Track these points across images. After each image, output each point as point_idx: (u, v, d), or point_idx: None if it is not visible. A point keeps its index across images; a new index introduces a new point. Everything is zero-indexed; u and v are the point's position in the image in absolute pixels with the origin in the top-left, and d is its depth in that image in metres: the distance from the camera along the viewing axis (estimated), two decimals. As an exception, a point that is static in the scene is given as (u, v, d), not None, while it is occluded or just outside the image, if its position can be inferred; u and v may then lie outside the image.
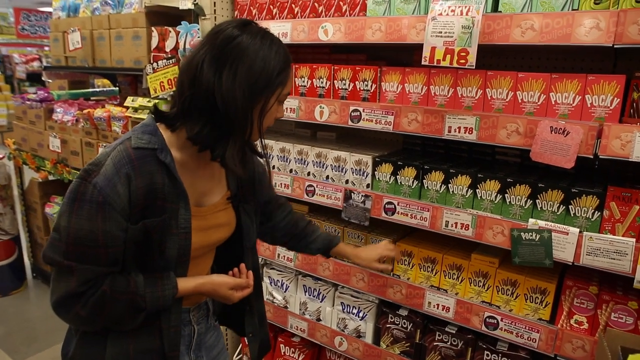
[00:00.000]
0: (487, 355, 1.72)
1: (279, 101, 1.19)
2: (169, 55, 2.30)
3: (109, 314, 1.11)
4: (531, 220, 1.53)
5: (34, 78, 10.12)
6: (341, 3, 1.81)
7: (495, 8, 1.52)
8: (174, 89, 2.35)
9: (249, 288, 1.33)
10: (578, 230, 1.45)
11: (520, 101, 1.52)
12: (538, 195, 1.53)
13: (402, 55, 2.16)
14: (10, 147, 3.82)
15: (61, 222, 1.08)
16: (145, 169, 1.10)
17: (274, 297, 2.31)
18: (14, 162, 3.82)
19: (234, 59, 1.08)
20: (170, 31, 2.30)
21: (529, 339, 1.59)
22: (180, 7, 2.21)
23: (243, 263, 1.34)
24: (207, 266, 1.37)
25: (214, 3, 2.11)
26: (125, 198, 1.07)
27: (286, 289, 2.27)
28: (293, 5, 1.95)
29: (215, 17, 2.11)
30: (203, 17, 2.12)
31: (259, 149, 1.30)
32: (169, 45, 2.28)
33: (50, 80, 3.77)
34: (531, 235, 1.51)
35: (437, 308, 1.77)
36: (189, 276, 1.24)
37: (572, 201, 1.47)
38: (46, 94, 3.55)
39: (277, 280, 2.29)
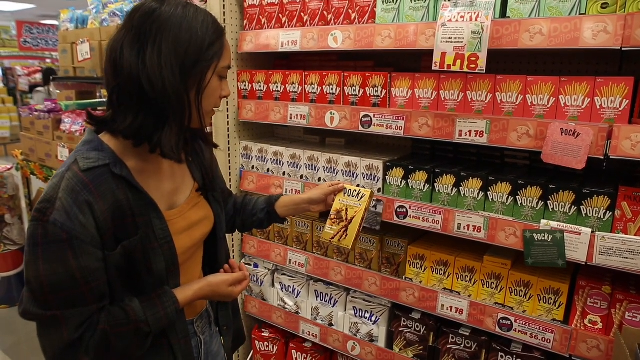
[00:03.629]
0: (502, 356, 1.73)
1: (219, 76, 1.09)
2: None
3: (116, 350, 1.04)
4: (543, 221, 1.54)
5: (37, 90, 10.16)
6: (350, 11, 1.84)
7: (503, 14, 1.55)
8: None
9: (247, 280, 1.32)
10: (590, 230, 1.47)
11: (530, 104, 1.54)
12: (549, 197, 1.55)
13: (410, 62, 2.19)
14: (17, 157, 3.85)
15: (30, 272, 0.97)
16: (104, 189, 1.01)
17: (286, 303, 2.32)
18: (21, 173, 3.84)
19: (155, 35, 0.98)
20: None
21: (544, 339, 1.60)
22: (190, 17, 2.24)
23: (232, 259, 1.35)
24: (198, 266, 1.32)
25: (224, 13, 2.14)
26: (91, 227, 0.98)
27: (298, 295, 2.28)
28: (302, 14, 1.98)
29: (225, 27, 2.14)
30: (213, 27, 2.14)
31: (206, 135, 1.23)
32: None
33: (58, 91, 3.81)
34: (544, 236, 1.53)
35: (451, 310, 1.79)
36: (183, 283, 1.19)
37: (583, 202, 1.49)
38: (54, 105, 3.58)
39: (289, 286, 2.30)
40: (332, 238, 1.54)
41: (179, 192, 1.21)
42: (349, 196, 1.55)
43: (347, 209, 1.54)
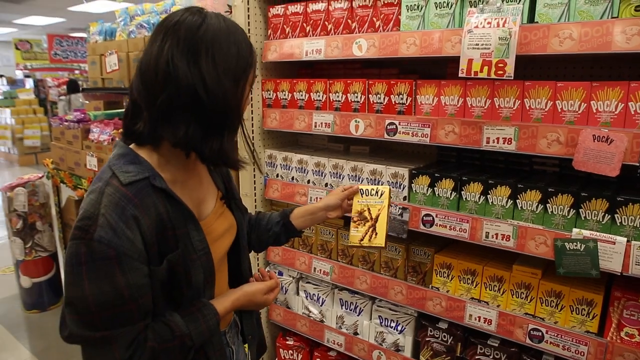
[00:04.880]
0: (532, 369, 1.69)
1: (249, 84, 1.11)
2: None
3: None
4: (575, 230, 1.50)
5: (66, 100, 10.46)
6: (374, 19, 1.84)
7: (531, 19, 1.53)
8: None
9: (278, 287, 1.32)
10: (625, 239, 1.42)
11: (560, 110, 1.51)
12: (581, 205, 1.51)
13: (435, 69, 2.17)
14: (48, 166, 3.95)
15: (73, 293, 0.94)
16: (147, 202, 1.00)
17: (310, 311, 2.31)
18: (52, 181, 3.95)
19: (207, 47, 0.99)
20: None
21: (577, 352, 1.56)
22: (215, 28, 2.27)
23: (261, 267, 1.35)
24: (225, 278, 1.31)
25: (248, 22, 2.17)
26: (139, 242, 0.96)
27: (322, 303, 2.27)
28: (326, 23, 1.99)
29: (249, 36, 2.17)
30: (238, 37, 2.17)
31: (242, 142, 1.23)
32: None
33: (87, 102, 3.91)
34: (576, 245, 1.49)
35: (479, 320, 1.75)
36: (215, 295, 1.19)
37: (617, 210, 1.45)
38: (83, 115, 3.68)
39: (313, 294, 2.30)
40: (362, 240, 1.50)
41: (206, 202, 1.21)
42: (367, 196, 1.53)
43: (369, 209, 1.51)
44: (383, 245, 1.47)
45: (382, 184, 1.91)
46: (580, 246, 1.48)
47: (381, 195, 1.52)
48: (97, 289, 0.93)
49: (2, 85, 12.96)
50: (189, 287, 1.08)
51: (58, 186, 3.97)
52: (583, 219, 1.51)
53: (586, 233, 1.48)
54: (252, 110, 2.24)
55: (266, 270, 1.37)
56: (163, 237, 1.02)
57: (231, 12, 2.19)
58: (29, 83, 12.16)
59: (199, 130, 1.01)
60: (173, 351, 1.04)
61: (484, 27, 1.50)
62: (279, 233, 1.49)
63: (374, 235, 1.49)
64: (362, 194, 1.54)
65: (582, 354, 1.55)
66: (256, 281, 1.32)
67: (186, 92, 0.98)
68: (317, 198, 2.10)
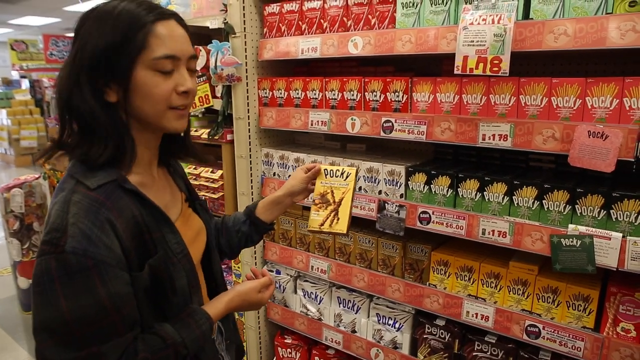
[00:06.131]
0: (530, 364, 1.69)
1: (155, 70, 0.95)
2: (200, 74, 2.36)
3: None
4: (571, 226, 1.51)
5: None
6: (370, 16, 1.84)
7: (526, 15, 1.53)
8: (205, 105, 2.41)
9: (273, 285, 1.28)
10: (621, 235, 1.42)
11: (555, 106, 1.51)
12: (577, 201, 1.51)
13: (431, 66, 2.17)
14: (45, 167, 3.94)
15: (47, 315, 0.85)
16: (121, 205, 0.94)
17: (308, 310, 2.31)
18: (48, 182, 3.94)
19: (74, 42, 0.95)
20: (200, 50, 2.36)
21: (574, 347, 1.56)
22: (210, 27, 2.27)
23: (253, 267, 1.28)
24: (204, 284, 1.23)
25: (244, 21, 2.17)
26: (117, 247, 0.90)
27: (320, 301, 2.27)
28: (322, 21, 1.98)
29: (245, 35, 2.17)
30: (233, 35, 2.17)
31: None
32: (200, 63, 2.34)
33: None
34: (572, 241, 1.49)
35: (476, 317, 1.75)
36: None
37: (613, 206, 1.45)
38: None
39: (311, 292, 2.30)
40: (322, 225, 1.40)
41: (174, 205, 1.14)
42: (331, 177, 1.44)
43: (332, 191, 1.42)
44: (345, 232, 1.38)
45: (379, 183, 1.91)
46: (576, 242, 1.48)
47: (347, 177, 1.42)
48: (76, 304, 0.85)
49: (-2, 86, 12.91)
50: (174, 293, 1.03)
51: (54, 186, 3.95)
52: (579, 215, 1.51)
53: (582, 229, 1.48)
54: (248, 109, 2.24)
55: (263, 268, 1.35)
56: (141, 240, 0.96)
57: (226, 10, 2.19)
58: (25, 84, 12.10)
59: (77, 136, 0.97)
60: None
61: (479, 23, 1.50)
62: (248, 233, 1.41)
63: (335, 220, 1.39)
64: (325, 175, 1.44)
65: (578, 349, 1.55)
66: (247, 280, 1.28)
67: (60, 98, 0.95)
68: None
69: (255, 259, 2.44)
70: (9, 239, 3.72)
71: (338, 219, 1.40)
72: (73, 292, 0.85)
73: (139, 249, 0.96)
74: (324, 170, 1.46)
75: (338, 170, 1.45)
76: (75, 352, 0.86)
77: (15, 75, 13.03)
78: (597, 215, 1.48)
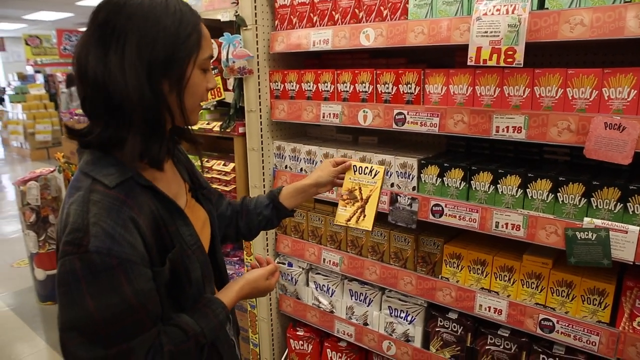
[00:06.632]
0: (543, 359, 1.68)
1: (202, 69, 0.99)
2: (212, 66, 2.36)
3: None
4: (586, 219, 1.49)
5: (76, 95, 10.54)
6: (382, 8, 1.82)
7: (541, 5, 1.50)
8: (217, 98, 2.41)
9: (278, 271, 1.31)
10: (638, 228, 1.40)
11: (570, 98, 1.49)
12: (593, 194, 1.49)
13: (443, 57, 2.15)
14: (59, 160, 3.99)
15: (74, 314, 0.86)
16: (140, 202, 0.94)
17: (320, 302, 2.32)
18: (63, 175, 3.99)
19: (119, 34, 0.89)
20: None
21: (588, 342, 1.55)
22: (222, 19, 2.27)
23: (257, 254, 1.30)
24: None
25: (255, 14, 2.16)
26: (140, 245, 0.91)
27: (332, 294, 2.28)
28: (333, 12, 1.97)
29: (256, 27, 2.16)
30: (245, 28, 2.17)
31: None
32: (212, 56, 2.34)
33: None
34: (587, 235, 1.47)
35: (489, 311, 1.75)
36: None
37: (630, 198, 1.43)
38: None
39: (323, 285, 2.30)
40: (349, 220, 1.45)
41: (181, 196, 1.14)
42: (360, 174, 1.46)
43: (360, 188, 1.45)
44: (370, 229, 1.43)
45: (391, 176, 1.91)
46: (592, 235, 1.46)
47: (375, 175, 1.45)
48: (103, 303, 0.86)
49: (13, 80, 13.08)
50: (190, 284, 1.04)
51: (69, 179, 4.00)
52: (594, 207, 1.49)
53: (598, 222, 1.46)
54: (260, 102, 2.24)
55: (267, 256, 1.36)
56: (159, 235, 0.97)
57: (238, 3, 2.18)
58: (40, 78, 12.25)
59: (122, 129, 0.93)
60: (189, 352, 1.01)
61: (492, 14, 1.48)
62: (270, 217, 1.43)
63: (362, 217, 1.43)
64: (354, 171, 1.47)
65: (593, 344, 1.54)
66: (253, 269, 1.31)
67: (97, 90, 0.90)
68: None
69: (268, 252, 2.45)
70: (25, 231, 3.78)
71: (364, 216, 1.44)
72: (99, 291, 0.86)
73: (158, 244, 0.97)
74: (354, 166, 1.49)
75: (367, 167, 1.48)
76: (105, 349, 0.87)
77: (29, 70, 13.19)
78: (613, 209, 1.46)
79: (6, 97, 11.69)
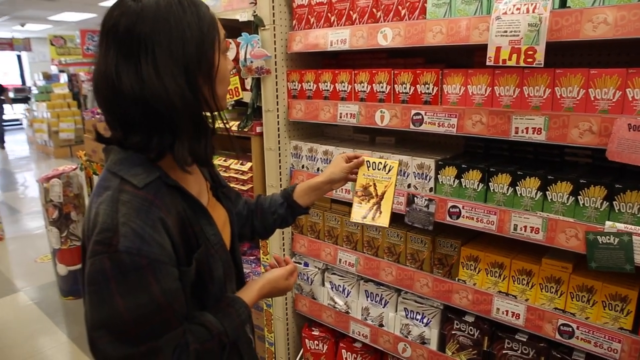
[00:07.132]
0: (562, 364, 1.65)
1: (223, 53, 1.00)
2: (232, 67, 2.38)
3: None
4: (608, 223, 1.45)
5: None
6: (400, 7, 1.81)
7: (563, 4, 1.47)
8: (235, 98, 2.43)
9: (296, 271, 1.32)
10: (662, 233, 1.36)
11: (593, 99, 1.45)
12: (615, 197, 1.45)
13: (462, 57, 2.12)
14: (81, 158, 4.07)
15: (104, 313, 0.87)
16: (168, 202, 0.95)
17: (336, 303, 2.32)
18: (85, 173, 4.07)
19: (146, 44, 0.88)
20: (230, 42, 2.38)
21: (609, 349, 1.51)
22: (240, 20, 2.28)
23: (275, 254, 1.31)
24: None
25: (273, 14, 2.17)
26: (168, 245, 0.92)
27: (348, 294, 2.27)
28: (351, 12, 1.96)
29: (274, 27, 2.17)
30: (262, 28, 2.18)
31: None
32: (230, 56, 2.35)
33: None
34: (609, 239, 1.44)
35: (507, 315, 1.72)
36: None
37: (654, 202, 1.39)
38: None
39: (339, 285, 2.30)
40: (364, 217, 1.43)
41: (203, 195, 1.15)
42: (373, 169, 1.44)
43: (375, 184, 1.43)
44: (387, 226, 1.41)
45: (408, 177, 1.89)
46: (614, 240, 1.43)
47: (389, 170, 1.43)
48: (132, 303, 0.86)
49: (39, 80, 13.39)
50: (213, 283, 1.06)
51: (91, 177, 4.08)
52: (617, 211, 1.46)
53: (620, 226, 1.43)
54: (277, 102, 2.25)
55: (286, 256, 1.37)
56: (185, 235, 0.98)
57: (256, 3, 2.19)
58: (64, 78, 12.51)
59: (166, 135, 0.94)
60: (213, 350, 1.02)
61: (512, 13, 1.45)
62: (284, 215, 1.43)
63: (378, 214, 1.42)
64: (368, 167, 1.46)
65: (615, 351, 1.50)
66: (272, 268, 1.32)
67: (136, 104, 0.90)
68: (342, 189, 2.08)
69: (284, 251, 2.45)
70: (48, 228, 3.87)
71: (380, 213, 1.42)
72: (128, 290, 0.87)
73: (185, 244, 0.98)
74: (367, 161, 1.47)
75: (380, 162, 1.45)
76: (133, 347, 0.88)
77: (54, 69, 13.49)
78: (636, 212, 1.42)
79: (31, 97, 11.97)
